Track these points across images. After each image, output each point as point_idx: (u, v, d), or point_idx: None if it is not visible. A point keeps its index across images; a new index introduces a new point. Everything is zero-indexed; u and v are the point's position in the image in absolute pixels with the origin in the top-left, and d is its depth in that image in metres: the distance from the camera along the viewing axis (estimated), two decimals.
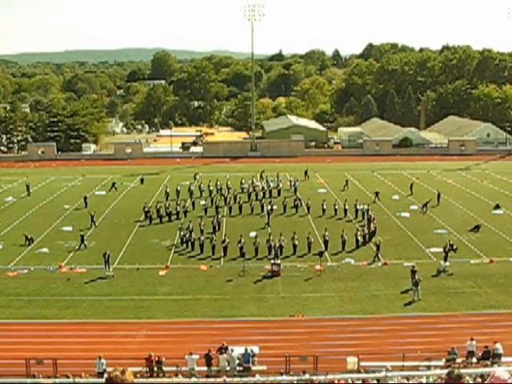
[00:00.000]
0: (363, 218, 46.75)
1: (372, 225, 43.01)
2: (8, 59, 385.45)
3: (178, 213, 48.56)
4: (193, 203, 51.98)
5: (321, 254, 37.17)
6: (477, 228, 44.13)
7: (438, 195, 52.82)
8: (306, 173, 65.06)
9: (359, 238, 40.76)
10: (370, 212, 46.83)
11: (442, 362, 23.27)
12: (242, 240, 38.82)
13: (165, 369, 23.47)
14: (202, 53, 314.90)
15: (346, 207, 48.67)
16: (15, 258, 38.96)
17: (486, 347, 23.97)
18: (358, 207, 48.47)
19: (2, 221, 48.26)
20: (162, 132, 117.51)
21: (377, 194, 54.31)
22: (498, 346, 24.00)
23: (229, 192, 54.88)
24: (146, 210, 48.34)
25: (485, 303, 30.98)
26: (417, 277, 31.97)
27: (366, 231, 42.04)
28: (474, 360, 23.84)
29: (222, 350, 24.24)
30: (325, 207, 49.22)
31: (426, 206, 50.14)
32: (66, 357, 24.05)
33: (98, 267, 36.35)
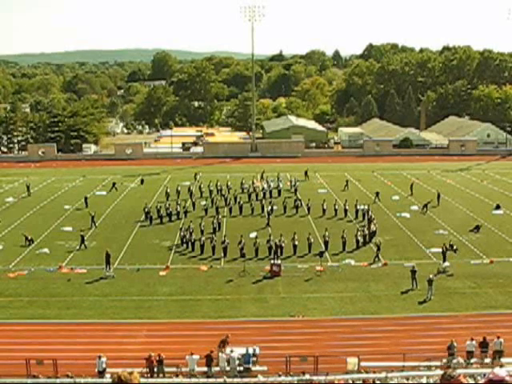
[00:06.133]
0: (363, 219, 46.75)
1: (372, 225, 43.01)
2: (8, 59, 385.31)
3: (178, 213, 48.60)
4: (193, 203, 51.98)
5: (321, 254, 37.22)
6: (477, 228, 44.11)
7: (438, 195, 52.82)
8: (306, 173, 65.07)
9: (359, 238, 40.76)
10: (370, 212, 46.83)
11: (441, 363, 23.29)
12: (243, 241, 38.82)
13: (165, 369, 23.48)
14: (203, 53, 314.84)
15: (347, 207, 48.65)
16: (16, 258, 38.96)
17: (484, 338, 24.18)
18: (358, 207, 48.48)
19: (2, 221, 48.25)
20: (163, 132, 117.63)
21: (377, 194, 54.32)
22: (499, 341, 24.18)
23: (229, 192, 54.89)
24: (146, 210, 48.36)
25: (485, 303, 30.99)
26: (431, 276, 32.14)
27: (366, 232, 42.03)
28: (474, 360, 23.90)
29: (222, 344, 24.34)
30: (325, 207, 49.19)
31: (426, 206, 50.14)
32: (66, 357, 24.09)
33: (99, 267, 36.34)
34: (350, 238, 40.29)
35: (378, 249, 38.27)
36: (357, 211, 48.19)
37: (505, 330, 26.63)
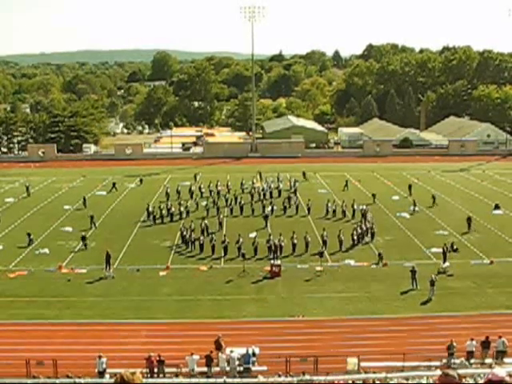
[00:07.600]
0: (362, 218, 46.67)
1: (368, 224, 42.97)
2: (8, 59, 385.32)
3: (180, 213, 48.62)
4: (196, 204, 51.96)
5: (321, 254, 37.21)
6: (468, 221, 44.07)
7: (433, 197, 52.58)
8: (304, 174, 65.05)
9: (355, 237, 40.83)
10: (368, 213, 46.69)
11: (441, 363, 23.29)
12: (241, 240, 38.85)
13: (165, 369, 23.48)
14: (203, 53, 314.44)
15: (344, 208, 48.64)
16: (16, 258, 38.98)
17: (487, 337, 24.18)
18: (355, 207, 48.44)
19: (2, 221, 48.21)
20: (163, 132, 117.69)
21: (374, 196, 54.15)
22: (501, 341, 24.18)
23: (229, 192, 54.89)
24: (149, 210, 48.44)
25: (485, 303, 31.01)
26: (433, 276, 32.20)
27: (360, 230, 41.94)
28: (474, 360, 23.90)
29: (218, 345, 24.35)
30: (328, 208, 49.09)
31: (415, 204, 50.27)
32: (66, 357, 24.09)
33: (99, 268, 36.35)
34: (346, 237, 40.35)
35: (380, 254, 38.01)
36: (354, 211, 48.15)
37: (505, 330, 26.60)
